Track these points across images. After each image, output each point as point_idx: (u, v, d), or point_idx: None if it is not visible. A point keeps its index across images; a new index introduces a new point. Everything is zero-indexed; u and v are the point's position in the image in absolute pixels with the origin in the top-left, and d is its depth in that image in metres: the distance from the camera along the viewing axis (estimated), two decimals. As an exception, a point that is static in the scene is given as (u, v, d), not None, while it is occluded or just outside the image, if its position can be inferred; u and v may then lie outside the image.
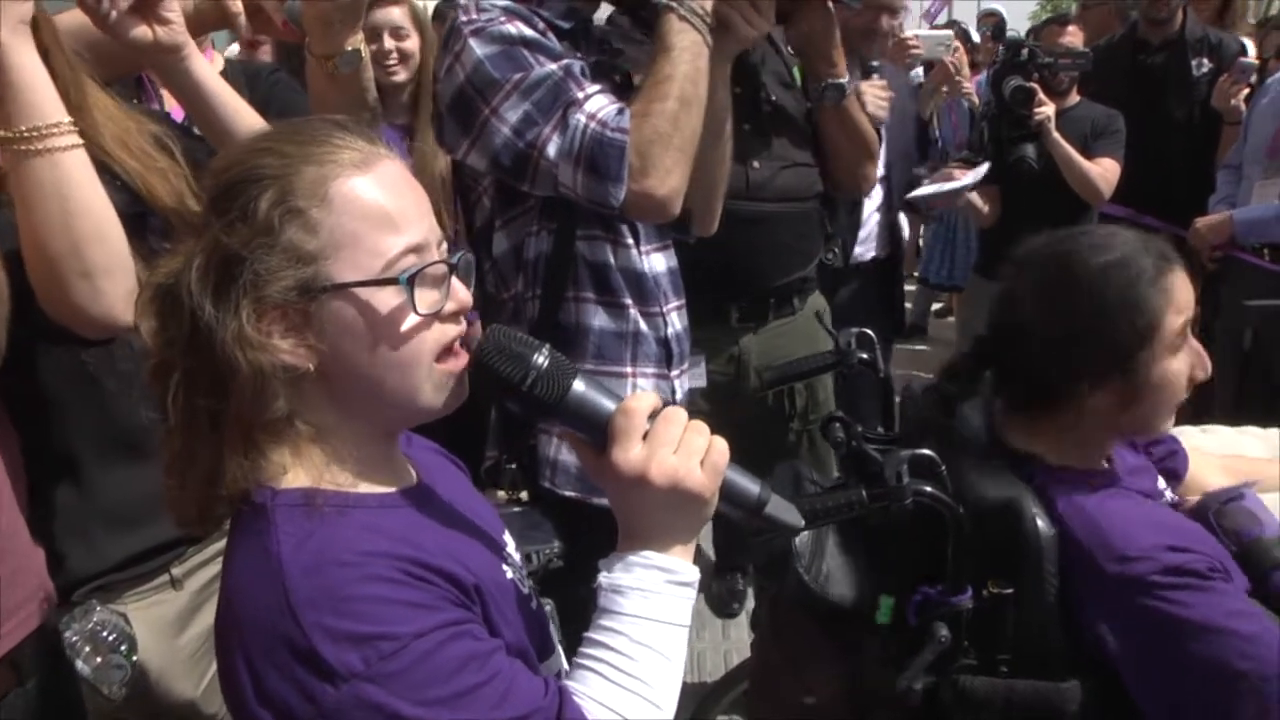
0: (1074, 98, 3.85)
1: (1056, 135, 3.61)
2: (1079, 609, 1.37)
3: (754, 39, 1.73)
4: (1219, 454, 1.87)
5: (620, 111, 1.63)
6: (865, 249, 3.11)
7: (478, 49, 1.66)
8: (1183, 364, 1.45)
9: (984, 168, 3.45)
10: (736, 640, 3.34)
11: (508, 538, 1.22)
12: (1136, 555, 1.34)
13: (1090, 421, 1.45)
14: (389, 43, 2.80)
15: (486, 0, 1.73)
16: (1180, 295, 1.43)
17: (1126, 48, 4.24)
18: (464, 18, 1.72)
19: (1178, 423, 1.73)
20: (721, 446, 1.04)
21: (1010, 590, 1.37)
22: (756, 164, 2.34)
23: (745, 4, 1.64)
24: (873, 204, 3.07)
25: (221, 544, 1.10)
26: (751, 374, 2.38)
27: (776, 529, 1.08)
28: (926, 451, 1.34)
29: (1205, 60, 4.07)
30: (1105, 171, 3.75)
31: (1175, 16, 4.15)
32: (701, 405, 2.33)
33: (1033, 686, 1.37)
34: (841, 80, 2.34)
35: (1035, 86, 3.57)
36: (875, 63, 2.91)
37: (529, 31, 1.69)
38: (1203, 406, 3.28)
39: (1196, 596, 1.33)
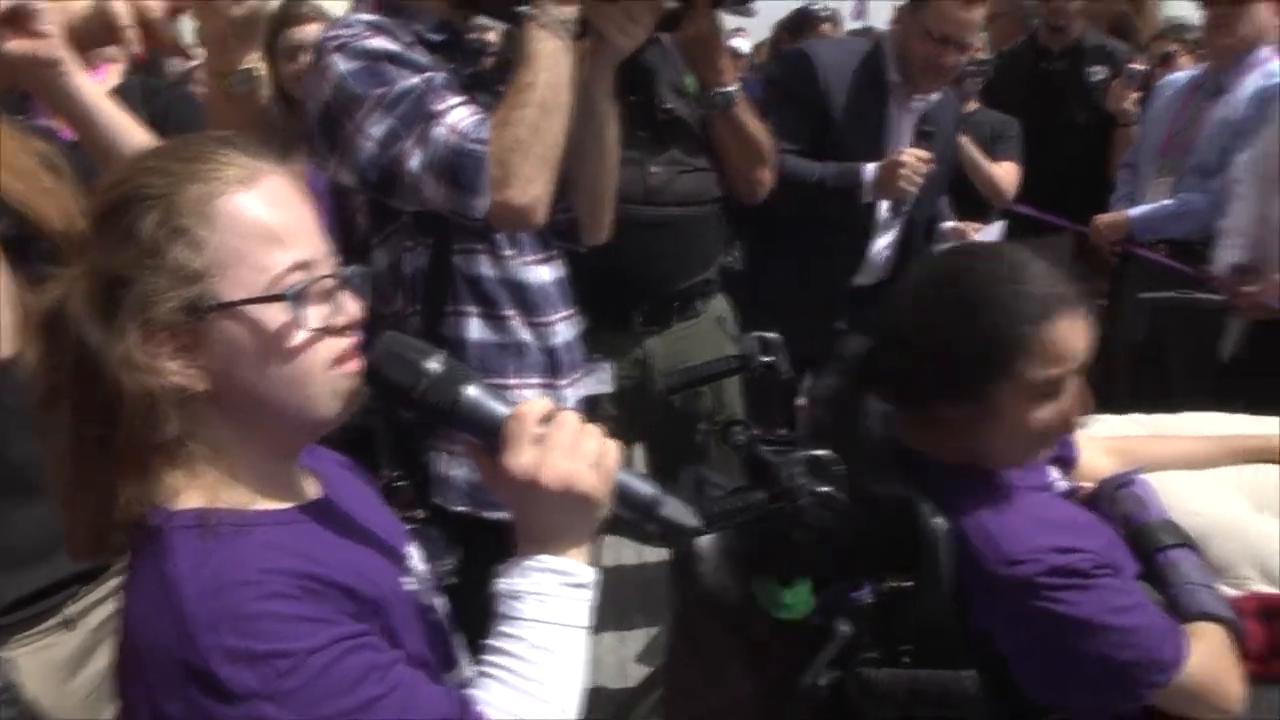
0: (972, 104, 3.97)
1: (965, 139, 3.70)
2: (971, 605, 1.41)
3: (628, 48, 1.75)
4: (1105, 436, 1.93)
5: (481, 122, 1.64)
6: (866, 277, 3.09)
7: (341, 65, 1.67)
8: (1049, 413, 1.43)
9: (997, 226, 3.48)
10: (663, 644, 3.35)
11: (412, 549, 1.23)
12: (1023, 558, 1.38)
13: (967, 425, 1.48)
14: (305, 60, 2.77)
15: (353, 15, 1.73)
16: (1060, 345, 1.41)
17: (1028, 55, 4.35)
18: (329, 34, 1.73)
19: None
20: (613, 450, 1.07)
21: (909, 584, 1.40)
22: (654, 169, 2.37)
23: (618, 13, 1.67)
24: (887, 238, 3.09)
25: (119, 580, 1.09)
26: (657, 377, 2.40)
27: (673, 532, 1.10)
28: (824, 452, 1.36)
29: (1101, 67, 4.20)
30: (1007, 174, 3.87)
31: (1073, 25, 4.27)
32: (609, 410, 2.35)
33: (934, 676, 1.40)
34: (728, 88, 2.37)
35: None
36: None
37: (393, 46, 1.70)
38: (1104, 397, 3.39)
39: (1081, 595, 1.38)
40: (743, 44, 6.24)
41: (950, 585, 1.40)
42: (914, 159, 2.86)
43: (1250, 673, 1.50)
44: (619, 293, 2.35)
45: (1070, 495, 1.67)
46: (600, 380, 2.31)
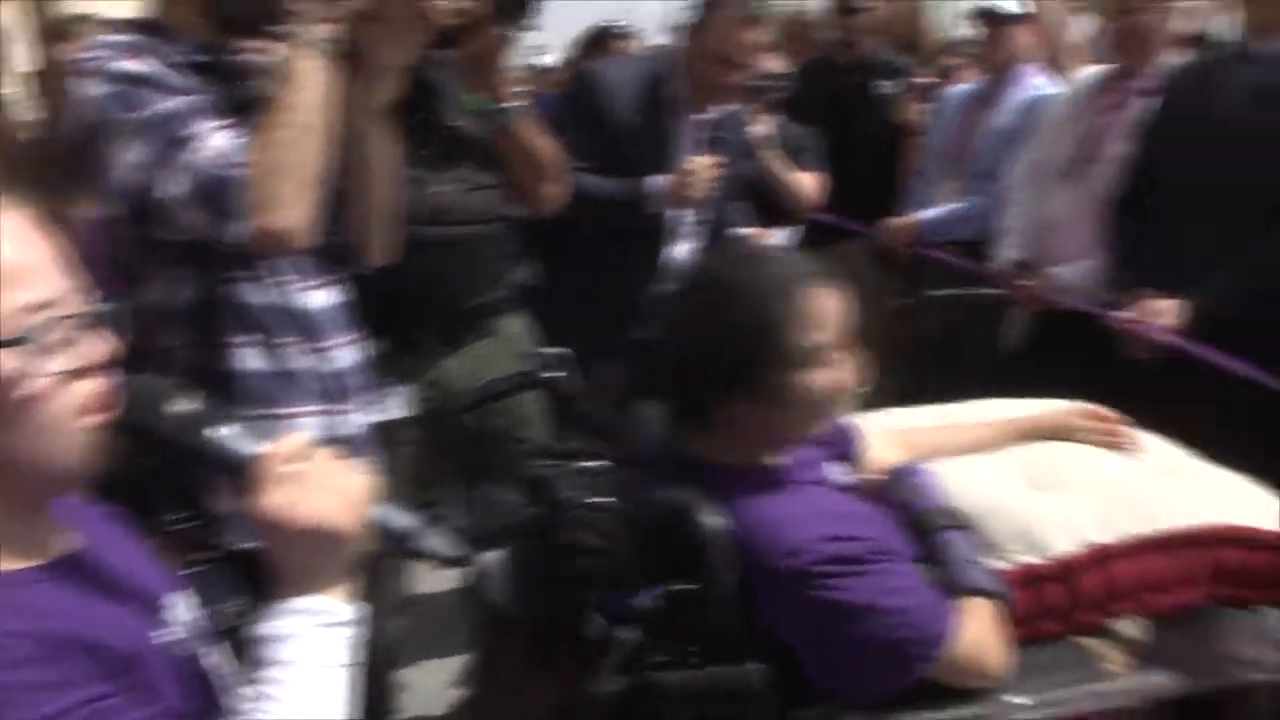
0: (774, 119, 4.09)
1: (772, 151, 3.83)
2: (754, 600, 1.45)
3: (395, 66, 1.74)
4: (894, 430, 2.01)
5: (239, 146, 1.61)
6: (668, 286, 3.10)
7: (94, 89, 1.61)
8: (828, 377, 1.52)
9: (786, 232, 3.57)
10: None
11: (178, 597, 1.18)
12: (798, 549, 1.44)
13: (745, 427, 1.53)
14: None
15: (107, 37, 1.67)
16: (819, 313, 1.50)
17: (823, 70, 4.51)
18: (82, 56, 1.66)
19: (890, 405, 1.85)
20: (365, 483, 1.06)
21: (692, 587, 1.42)
22: (439, 188, 2.36)
23: (381, 31, 1.66)
24: (684, 246, 3.11)
25: None
26: (454, 398, 2.38)
27: (436, 560, 1.10)
28: (598, 463, 1.38)
29: (889, 81, 4.40)
30: (811, 183, 4.01)
31: (863, 42, 4.46)
32: (411, 434, 2.32)
33: (721, 673, 1.44)
34: (509, 105, 2.38)
35: (749, 106, 3.74)
36: None
37: (148, 69, 1.64)
38: (909, 391, 3.57)
39: (856, 581, 1.44)
40: (547, 59, 6.29)
41: (733, 583, 1.43)
42: (702, 166, 2.93)
43: (1019, 636, 1.60)
44: (409, 314, 2.32)
45: (852, 488, 1.73)
46: (397, 405, 2.27)
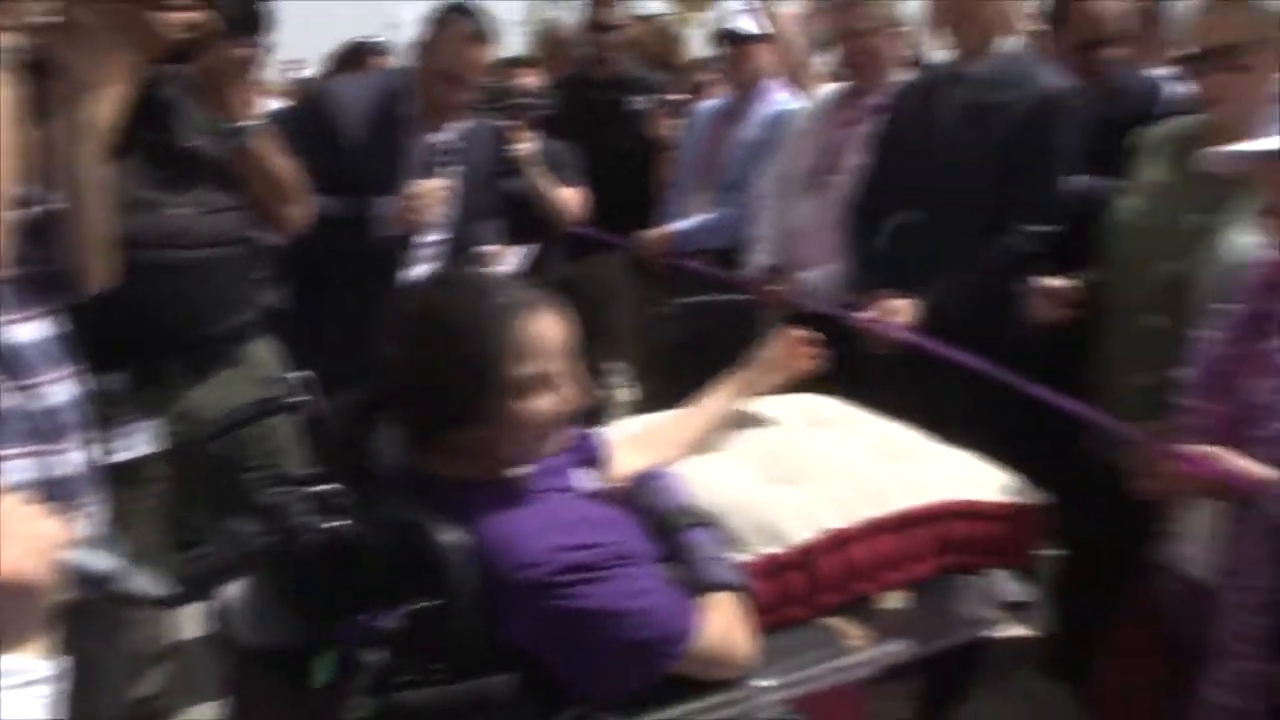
0: (534, 135, 4.12)
1: (537, 169, 3.89)
2: (497, 613, 1.45)
3: (98, 83, 1.67)
4: (638, 432, 2.07)
5: None
6: None
7: None
8: (548, 402, 1.54)
9: (524, 250, 3.56)
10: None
11: None
12: (535, 560, 1.45)
13: (476, 449, 1.55)
14: None
15: None
16: (537, 340, 1.52)
17: (578, 86, 4.58)
18: None
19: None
20: (56, 529, 1.00)
21: (434, 604, 1.42)
22: (176, 210, 2.25)
23: (77, 44, 1.58)
24: (425, 267, 3.10)
25: None
26: (203, 429, 2.29)
27: (141, 601, 1.06)
28: (330, 486, 1.37)
29: (642, 96, 4.51)
30: (572, 198, 4.07)
31: (616, 59, 4.56)
32: (161, 470, 2.22)
33: (468, 688, 1.44)
34: (245, 124, 2.32)
35: (515, 124, 3.84)
36: None
37: None
38: (669, 396, 3.67)
39: (594, 587, 1.46)
40: (305, 73, 6.14)
41: (474, 598, 1.43)
42: (430, 190, 2.93)
43: (766, 623, 1.68)
44: (152, 344, 2.21)
45: (599, 495, 1.76)
46: (144, 440, 2.17)
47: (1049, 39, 3.12)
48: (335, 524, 1.35)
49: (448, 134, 3.14)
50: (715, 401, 2.13)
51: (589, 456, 1.82)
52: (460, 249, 3.20)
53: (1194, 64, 2.26)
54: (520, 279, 1.62)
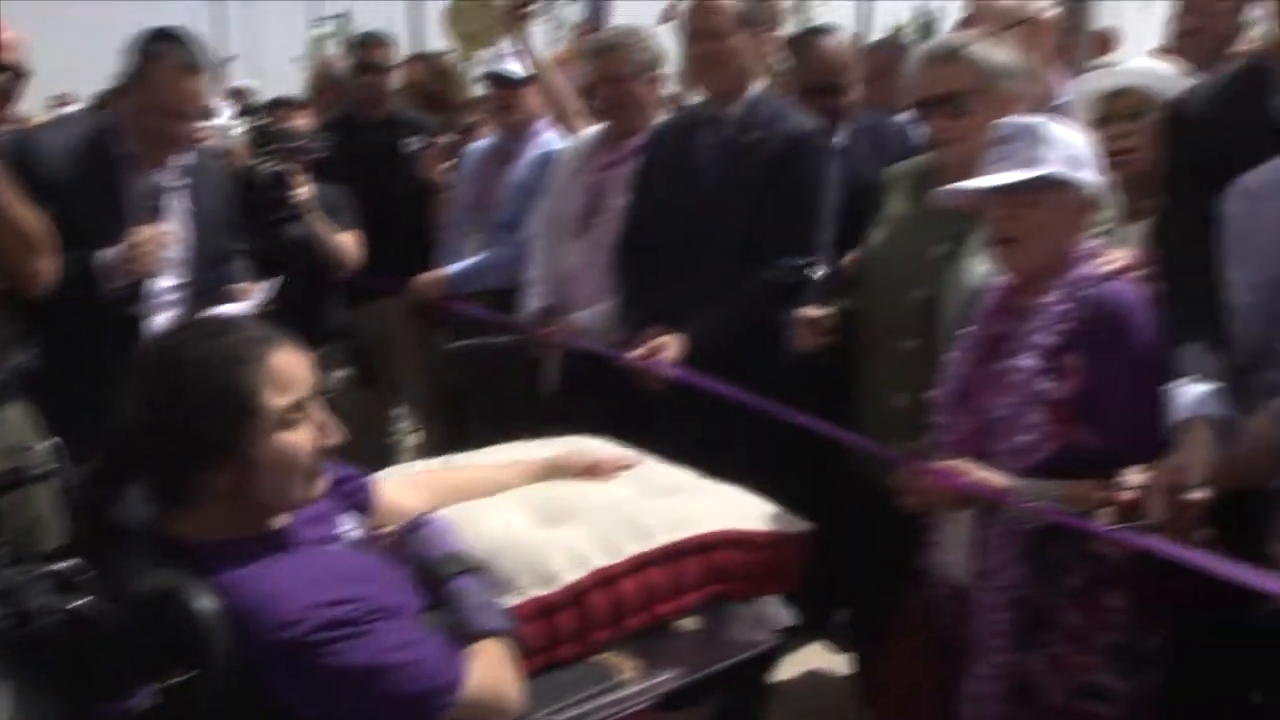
0: (308, 179, 4.02)
1: (317, 212, 3.81)
2: (260, 676, 1.40)
3: None
4: (414, 475, 2.03)
5: None
6: None
7: None
8: (302, 437, 1.53)
9: (266, 286, 3.42)
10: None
11: None
12: (294, 619, 1.42)
13: (230, 499, 1.51)
14: None
15: None
16: (282, 374, 1.51)
17: (348, 127, 4.50)
18: None
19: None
20: None
21: (188, 677, 1.35)
22: None
23: None
24: (167, 314, 2.95)
25: None
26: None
27: None
28: (69, 563, 1.29)
29: (415, 138, 4.47)
30: (349, 243, 3.98)
31: (386, 100, 4.50)
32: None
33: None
34: None
35: (291, 168, 3.76)
36: None
37: None
38: (452, 439, 3.66)
39: (356, 643, 1.44)
40: (69, 109, 5.81)
41: (231, 665, 1.38)
42: (151, 235, 2.82)
43: (538, 665, 1.71)
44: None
45: (364, 542, 1.72)
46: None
47: (790, 80, 3.31)
48: (77, 603, 1.27)
49: (170, 172, 2.99)
50: (504, 467, 2.13)
51: (355, 501, 1.78)
52: (201, 291, 3.05)
53: (923, 110, 2.43)
54: (260, 320, 1.57)
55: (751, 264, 2.85)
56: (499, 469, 2.13)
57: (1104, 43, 8.87)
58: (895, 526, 2.22)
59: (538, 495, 2.01)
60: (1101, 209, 2.14)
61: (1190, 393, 1.85)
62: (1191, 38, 3.52)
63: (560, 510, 1.94)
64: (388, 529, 1.80)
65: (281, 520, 1.57)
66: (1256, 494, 1.76)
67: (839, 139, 3.21)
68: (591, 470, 2.10)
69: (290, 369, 1.52)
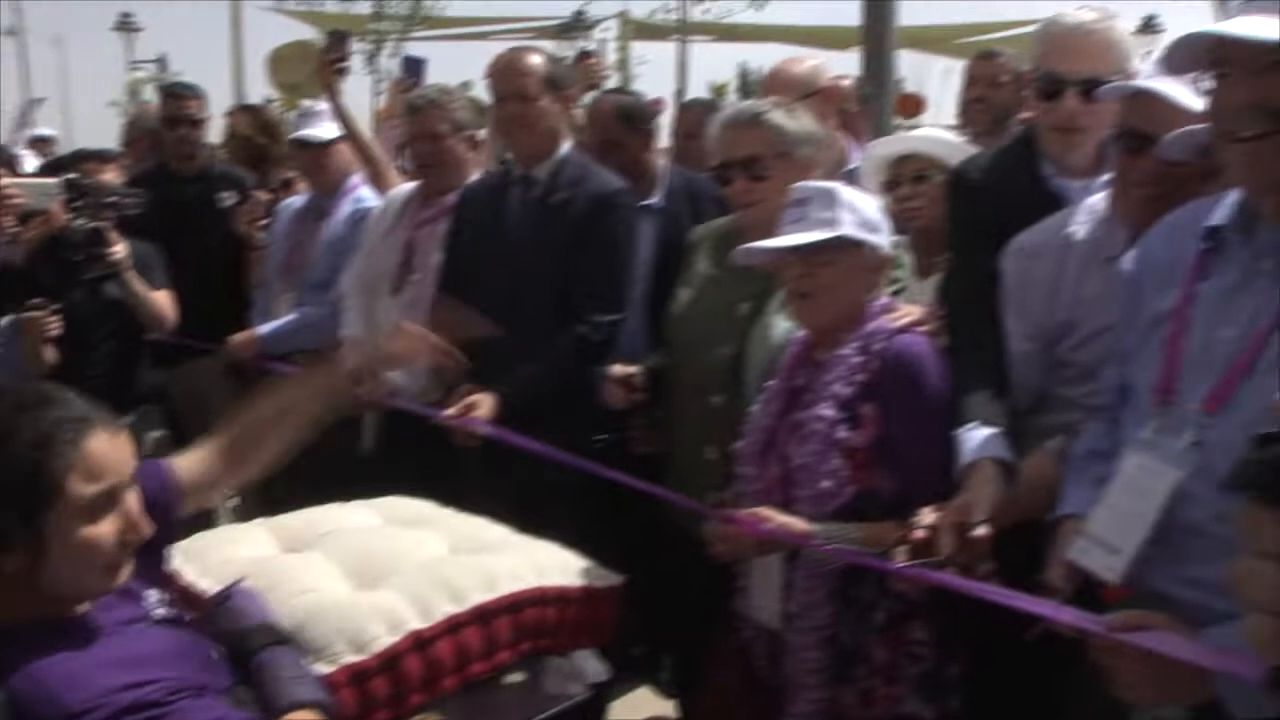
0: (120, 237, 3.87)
1: (132, 271, 3.68)
2: None
3: None
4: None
5: None
6: None
7: None
8: (108, 528, 1.47)
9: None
10: None
11: None
12: (86, 707, 1.38)
13: (21, 584, 1.44)
14: None
15: None
16: (95, 460, 1.45)
17: (161, 181, 4.36)
18: None
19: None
20: None
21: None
22: None
23: None
24: None
25: None
26: None
27: None
28: None
29: (231, 193, 4.37)
30: (164, 302, 3.86)
31: (200, 153, 4.42)
32: None
33: None
34: None
35: (105, 224, 3.61)
36: None
37: None
38: (274, 502, 3.56)
39: None
40: None
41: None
42: None
43: None
44: None
45: (169, 619, 1.66)
46: None
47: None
48: None
49: None
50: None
51: (157, 574, 1.72)
52: None
53: (724, 172, 2.54)
54: (73, 397, 1.50)
55: (563, 322, 2.91)
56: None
57: (914, 105, 9.44)
58: (709, 574, 2.28)
59: (346, 559, 1.99)
60: (893, 268, 2.28)
61: (976, 437, 1.97)
62: (976, 107, 3.79)
63: (375, 571, 1.93)
64: (194, 602, 1.75)
65: (83, 604, 1.51)
66: (1037, 526, 1.89)
67: (656, 198, 3.31)
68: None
69: (105, 455, 1.45)
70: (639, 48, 17.71)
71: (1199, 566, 1.55)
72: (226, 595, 1.74)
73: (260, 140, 4.71)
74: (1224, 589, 1.49)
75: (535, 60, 3.07)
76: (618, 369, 2.60)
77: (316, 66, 4.15)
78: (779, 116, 2.51)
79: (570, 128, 3.19)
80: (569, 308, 2.92)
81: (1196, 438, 1.56)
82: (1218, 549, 1.51)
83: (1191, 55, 1.60)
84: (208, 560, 2.01)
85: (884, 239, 2.18)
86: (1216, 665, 1.43)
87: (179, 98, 4.46)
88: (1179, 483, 1.56)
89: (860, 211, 2.14)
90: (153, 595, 1.68)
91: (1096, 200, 2.18)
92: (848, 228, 2.11)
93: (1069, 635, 1.61)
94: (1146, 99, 1.95)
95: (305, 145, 3.91)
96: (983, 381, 2.07)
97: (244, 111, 4.95)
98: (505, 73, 3.05)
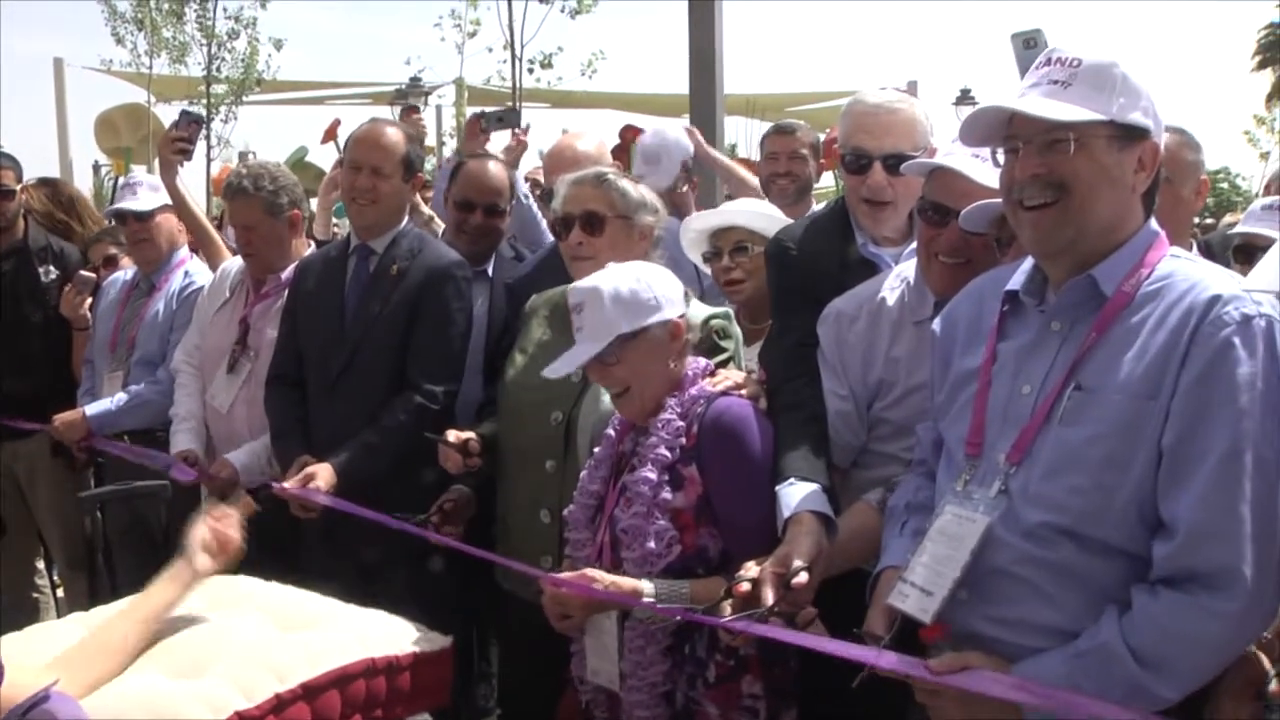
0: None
1: None
2: None
3: None
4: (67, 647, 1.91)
5: None
6: None
7: None
8: None
9: None
10: None
11: None
12: None
13: None
14: None
15: None
16: None
17: None
18: None
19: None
20: None
21: None
22: None
23: None
24: None
25: None
26: None
27: None
28: None
29: (52, 268, 4.22)
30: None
31: (16, 226, 4.23)
32: None
33: None
34: None
35: None
36: None
37: None
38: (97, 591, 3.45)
39: None
40: None
41: None
42: None
43: None
44: None
45: None
46: None
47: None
48: None
49: None
50: (151, 598, 2.02)
51: None
52: None
53: (562, 225, 2.64)
54: None
55: (399, 392, 2.92)
56: (123, 623, 1.97)
57: (749, 169, 9.65)
58: (546, 636, 2.30)
59: (171, 648, 1.93)
60: (693, 329, 2.30)
61: (795, 492, 2.04)
62: (780, 181, 3.97)
63: (195, 660, 1.87)
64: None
65: None
66: (859, 576, 1.97)
67: (528, 264, 3.31)
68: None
69: None
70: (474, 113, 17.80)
71: (1005, 606, 1.67)
72: (37, 700, 1.65)
73: (60, 216, 4.51)
74: (1027, 627, 1.64)
75: (397, 138, 3.08)
76: (453, 434, 2.62)
77: (159, 141, 4.06)
78: (624, 183, 2.62)
79: (414, 209, 3.22)
80: (404, 378, 2.93)
81: (1003, 486, 1.68)
82: (1021, 590, 1.66)
83: (987, 129, 1.77)
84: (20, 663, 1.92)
85: (670, 306, 2.19)
86: (1026, 700, 1.56)
87: None
88: (988, 528, 1.67)
89: (629, 298, 2.15)
90: None
91: (906, 267, 2.32)
92: (623, 323, 2.14)
93: (896, 681, 1.70)
94: (946, 175, 2.11)
95: (119, 218, 3.81)
96: (802, 440, 2.15)
97: (41, 185, 4.68)
98: (365, 143, 3.07)
